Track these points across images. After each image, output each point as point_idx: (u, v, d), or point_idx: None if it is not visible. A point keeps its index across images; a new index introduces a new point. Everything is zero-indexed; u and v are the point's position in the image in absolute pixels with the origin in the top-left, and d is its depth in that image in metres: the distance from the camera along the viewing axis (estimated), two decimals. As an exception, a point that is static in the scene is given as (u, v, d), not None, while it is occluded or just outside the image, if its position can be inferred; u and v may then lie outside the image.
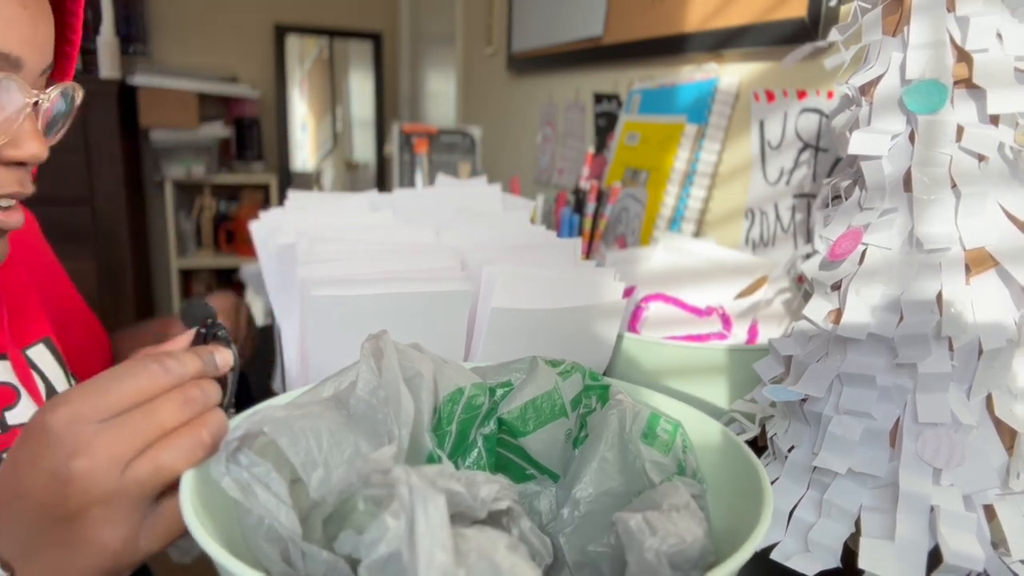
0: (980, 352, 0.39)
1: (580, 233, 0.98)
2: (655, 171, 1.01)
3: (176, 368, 0.34)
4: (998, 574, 0.38)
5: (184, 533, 0.34)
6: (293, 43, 3.61)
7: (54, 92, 0.47)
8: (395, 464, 0.27)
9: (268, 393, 0.66)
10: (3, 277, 0.55)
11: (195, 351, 0.37)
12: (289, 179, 3.46)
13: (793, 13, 0.81)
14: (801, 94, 0.80)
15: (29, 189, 0.49)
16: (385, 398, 0.34)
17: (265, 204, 3.02)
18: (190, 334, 0.41)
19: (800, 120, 0.80)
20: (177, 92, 2.54)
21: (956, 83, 0.41)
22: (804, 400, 0.45)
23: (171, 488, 0.33)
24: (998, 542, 0.38)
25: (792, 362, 0.47)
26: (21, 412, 0.50)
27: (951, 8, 0.41)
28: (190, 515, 0.29)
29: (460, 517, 0.29)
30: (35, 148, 0.46)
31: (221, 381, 0.38)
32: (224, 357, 0.38)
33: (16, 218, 0.49)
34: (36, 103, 0.46)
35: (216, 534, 0.28)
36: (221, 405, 0.36)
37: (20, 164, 0.47)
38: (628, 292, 0.66)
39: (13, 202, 0.49)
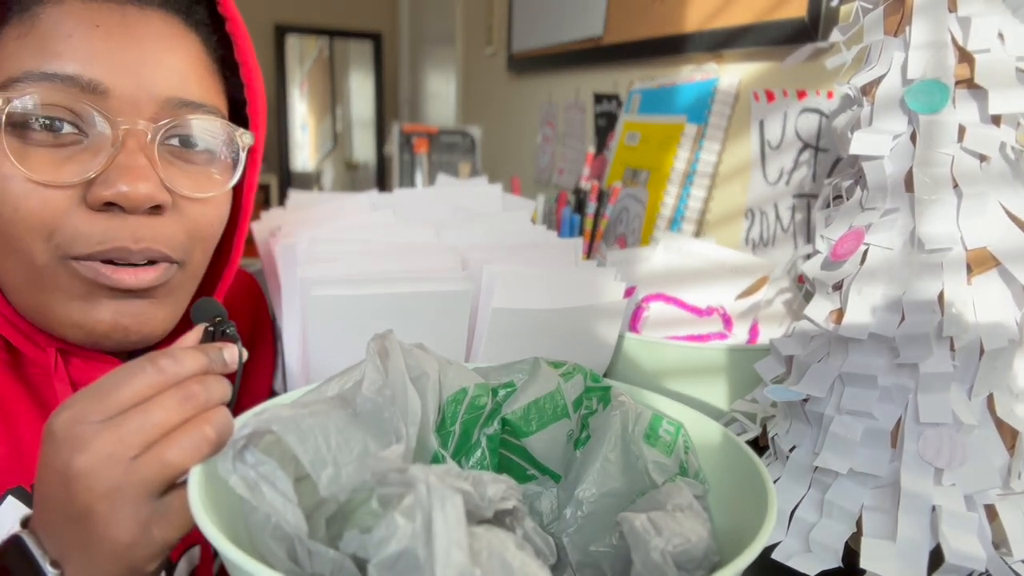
0: (981, 352, 0.39)
1: (581, 233, 0.98)
2: (655, 171, 1.01)
3: (171, 367, 0.35)
4: (999, 574, 0.38)
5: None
6: (293, 43, 3.62)
7: (167, 126, 0.43)
8: (406, 463, 0.27)
9: (271, 393, 0.66)
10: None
11: (199, 348, 0.37)
12: (289, 179, 3.46)
13: (793, 13, 0.81)
14: (801, 94, 0.80)
15: (144, 245, 0.42)
16: (391, 397, 0.34)
17: (266, 204, 3.02)
18: (198, 332, 0.41)
19: (800, 120, 0.80)
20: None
21: (958, 83, 0.41)
22: (805, 400, 0.45)
23: (178, 482, 0.34)
24: (999, 542, 0.38)
25: (793, 362, 0.47)
26: None
27: (953, 8, 0.41)
28: (199, 510, 0.29)
29: (467, 516, 0.29)
30: (126, 187, 0.40)
31: (230, 378, 0.38)
32: (232, 353, 0.39)
33: (146, 277, 0.43)
34: (150, 138, 0.42)
35: (224, 529, 0.28)
36: (230, 401, 0.36)
37: (125, 209, 0.41)
38: (629, 292, 0.66)
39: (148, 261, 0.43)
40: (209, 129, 0.46)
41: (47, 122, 0.41)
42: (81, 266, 0.42)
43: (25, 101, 0.40)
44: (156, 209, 0.43)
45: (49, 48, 0.40)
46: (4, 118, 0.40)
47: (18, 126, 0.40)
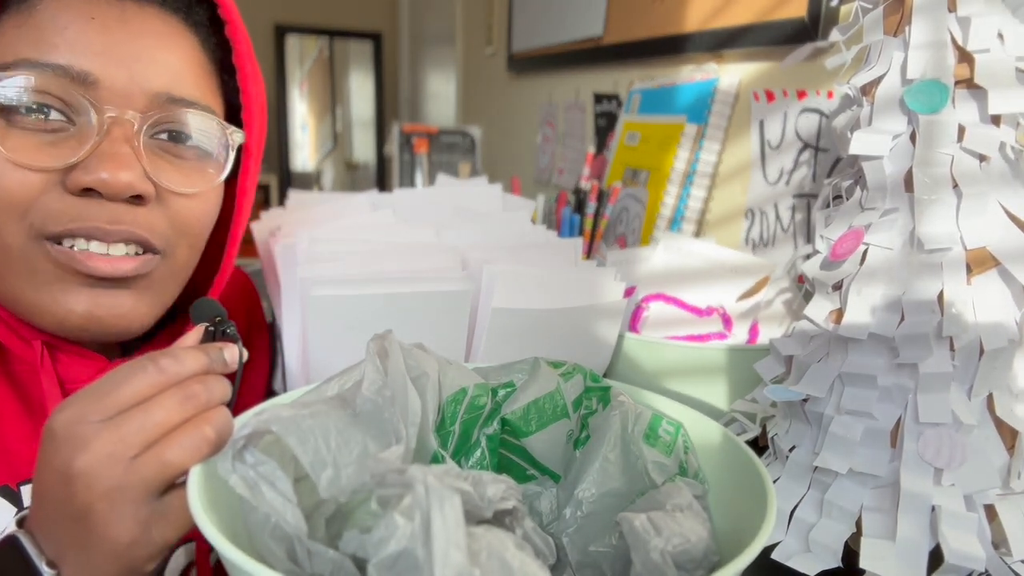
0: (981, 352, 0.39)
1: (581, 233, 0.98)
2: (655, 171, 1.01)
3: (172, 367, 0.35)
4: (999, 574, 0.38)
5: None
6: (293, 43, 3.62)
7: (154, 118, 0.43)
8: (405, 464, 0.27)
9: (269, 393, 0.66)
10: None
11: (200, 348, 0.37)
12: (289, 179, 3.46)
13: (793, 13, 0.81)
14: (801, 94, 0.80)
15: (122, 227, 0.42)
16: (391, 397, 0.34)
17: (265, 204, 3.02)
18: (199, 332, 0.41)
19: (800, 120, 0.80)
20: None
21: (957, 83, 0.41)
22: (805, 400, 0.45)
23: (177, 482, 0.34)
24: (999, 542, 0.38)
25: (793, 362, 0.47)
26: None
27: (952, 8, 0.41)
28: (198, 510, 0.29)
29: (467, 516, 0.29)
30: (107, 174, 0.40)
31: (231, 378, 0.38)
32: (232, 353, 0.39)
33: (123, 267, 0.43)
34: (137, 128, 0.42)
35: (224, 529, 0.29)
36: (230, 401, 0.36)
37: (105, 196, 0.41)
38: (629, 292, 0.66)
39: (125, 249, 0.43)
40: (200, 126, 0.46)
41: (36, 108, 0.41)
42: (55, 250, 0.42)
43: (16, 82, 0.40)
44: (138, 199, 0.43)
45: (45, 39, 0.40)
46: None
47: (6, 110, 0.40)
